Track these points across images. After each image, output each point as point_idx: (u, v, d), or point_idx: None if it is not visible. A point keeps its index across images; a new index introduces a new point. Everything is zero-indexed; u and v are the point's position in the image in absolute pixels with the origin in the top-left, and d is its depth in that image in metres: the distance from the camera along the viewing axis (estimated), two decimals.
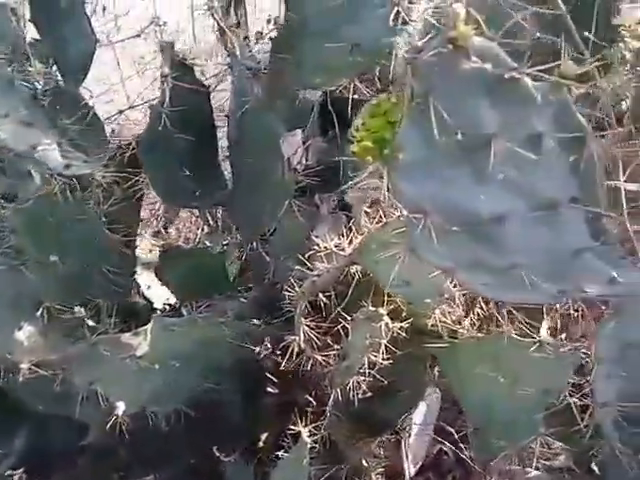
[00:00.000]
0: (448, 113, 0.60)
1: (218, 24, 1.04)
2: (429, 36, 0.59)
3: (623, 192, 1.03)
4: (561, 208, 0.72)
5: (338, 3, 0.99)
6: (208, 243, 2.34)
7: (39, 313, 1.26)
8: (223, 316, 1.47)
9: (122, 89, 2.79)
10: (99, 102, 1.89)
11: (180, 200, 1.40)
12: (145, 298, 1.85)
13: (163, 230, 2.53)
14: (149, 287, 1.79)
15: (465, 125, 0.62)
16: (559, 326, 1.26)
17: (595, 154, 0.66)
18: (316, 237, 1.29)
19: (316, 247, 1.25)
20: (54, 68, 1.94)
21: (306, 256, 1.24)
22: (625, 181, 1.15)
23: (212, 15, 1.01)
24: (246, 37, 1.14)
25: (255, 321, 1.52)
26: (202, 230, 2.45)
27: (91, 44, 1.75)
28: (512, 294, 0.82)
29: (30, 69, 2.13)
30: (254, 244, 1.44)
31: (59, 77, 1.88)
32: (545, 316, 1.25)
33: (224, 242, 1.66)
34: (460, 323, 1.13)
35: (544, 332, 1.27)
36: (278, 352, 1.34)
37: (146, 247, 2.06)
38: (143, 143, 1.22)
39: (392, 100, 0.62)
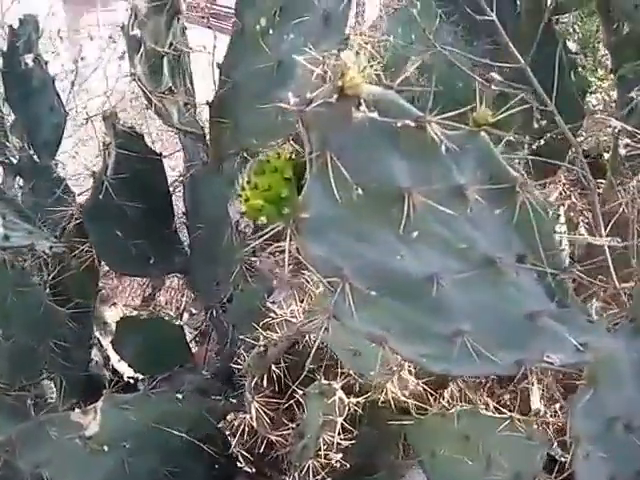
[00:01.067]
0: (351, 167, 0.53)
1: (143, 90, 1.00)
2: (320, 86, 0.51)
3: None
4: (501, 266, 0.63)
5: (268, 66, 0.96)
6: (194, 310, 2.26)
7: None
8: (180, 391, 1.36)
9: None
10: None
11: (132, 268, 1.32)
12: (114, 371, 1.76)
13: (150, 298, 2.45)
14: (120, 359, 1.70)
15: (373, 179, 0.55)
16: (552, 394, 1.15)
17: (530, 204, 0.57)
18: (272, 303, 1.20)
19: (272, 314, 1.16)
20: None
21: (262, 324, 1.16)
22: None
23: (135, 81, 0.97)
24: (187, 103, 1.10)
25: (217, 396, 1.42)
26: (188, 297, 2.37)
27: (62, 118, 1.78)
28: (460, 367, 0.71)
29: (7, 144, 2.13)
30: (213, 312, 1.36)
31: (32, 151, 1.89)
32: (535, 384, 1.14)
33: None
34: (422, 397, 1.03)
35: (537, 402, 1.16)
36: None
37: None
38: (86, 212, 1.16)
39: (284, 156, 0.55)
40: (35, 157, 1.85)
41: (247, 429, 1.11)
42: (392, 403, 0.98)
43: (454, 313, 0.68)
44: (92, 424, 1.28)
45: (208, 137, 1.09)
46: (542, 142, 1.54)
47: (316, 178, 0.54)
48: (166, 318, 1.61)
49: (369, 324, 0.65)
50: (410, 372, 0.95)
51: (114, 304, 2.06)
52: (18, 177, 2.12)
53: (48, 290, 1.23)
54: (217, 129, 1.06)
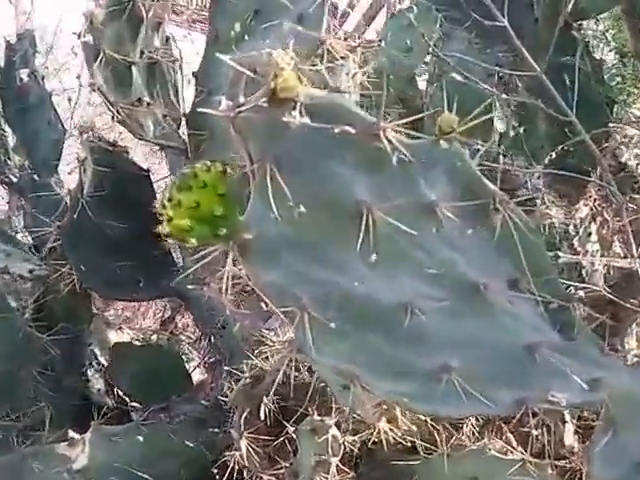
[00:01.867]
0: (296, 179, 0.45)
1: (105, 101, 0.93)
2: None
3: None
4: (487, 293, 0.54)
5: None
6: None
7: None
8: (175, 422, 1.28)
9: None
10: None
11: (118, 292, 1.25)
12: (119, 398, 1.69)
13: (168, 321, 2.39)
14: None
15: (323, 193, 0.46)
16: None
17: (513, 222, 0.48)
18: (267, 330, 1.12)
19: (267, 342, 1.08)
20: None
21: (257, 352, 1.07)
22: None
23: (95, 91, 0.90)
24: (166, 115, 1.03)
25: (215, 428, 1.33)
26: None
27: (60, 134, 1.74)
28: (448, 407, 0.62)
29: (9, 162, 2.11)
30: (211, 338, 1.29)
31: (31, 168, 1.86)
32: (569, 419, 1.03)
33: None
34: (428, 433, 0.93)
35: (570, 438, 1.05)
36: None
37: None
38: (63, 232, 1.09)
39: (216, 169, 0.47)
40: (35, 175, 1.81)
41: (238, 467, 1.02)
42: (390, 442, 0.88)
43: (438, 346, 0.58)
44: (80, 457, 1.20)
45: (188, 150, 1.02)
46: (569, 155, 1.44)
47: (258, 193, 0.46)
48: (164, 345, 1.54)
49: (335, 357, 0.56)
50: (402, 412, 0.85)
51: (120, 328, 1.99)
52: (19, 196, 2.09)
53: (30, 315, 1.16)
54: (195, 141, 0.99)
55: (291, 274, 0.51)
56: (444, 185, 0.48)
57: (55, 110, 1.68)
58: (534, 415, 0.79)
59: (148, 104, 0.96)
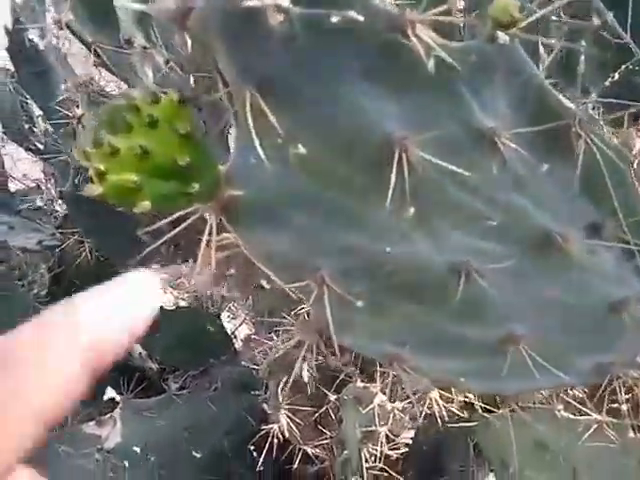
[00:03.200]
0: (291, 106, 0.32)
1: (81, 42, 0.79)
2: None
3: None
4: (564, 243, 0.41)
5: None
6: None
7: None
8: (211, 389, 1.21)
9: None
10: None
11: (137, 256, 1.15)
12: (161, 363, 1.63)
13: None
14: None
15: (332, 125, 0.34)
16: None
17: (598, 149, 0.35)
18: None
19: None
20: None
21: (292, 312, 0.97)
22: None
23: (63, 28, 0.76)
24: (168, 60, 0.90)
25: (257, 391, 1.25)
26: None
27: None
28: (515, 383, 0.50)
29: (34, 129, 2.03)
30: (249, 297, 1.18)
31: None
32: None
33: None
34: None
35: None
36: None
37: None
38: (67, 199, 0.98)
39: (170, 99, 0.34)
40: (57, 140, 1.72)
41: (278, 441, 0.93)
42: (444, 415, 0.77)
43: (500, 313, 0.46)
44: (111, 435, 1.14)
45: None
46: (618, 79, 1.26)
47: (242, 131, 0.34)
48: (197, 307, 1.46)
49: (369, 338, 0.45)
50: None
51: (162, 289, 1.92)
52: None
53: (44, 289, 1.07)
54: (204, 85, 0.86)
55: (301, 238, 0.39)
56: (503, 104, 0.35)
57: (73, 70, 1.56)
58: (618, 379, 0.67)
59: (144, 47, 0.83)
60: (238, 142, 0.34)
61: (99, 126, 0.32)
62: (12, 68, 1.82)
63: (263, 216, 0.37)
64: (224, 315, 1.69)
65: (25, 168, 2.55)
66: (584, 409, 0.77)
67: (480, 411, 0.88)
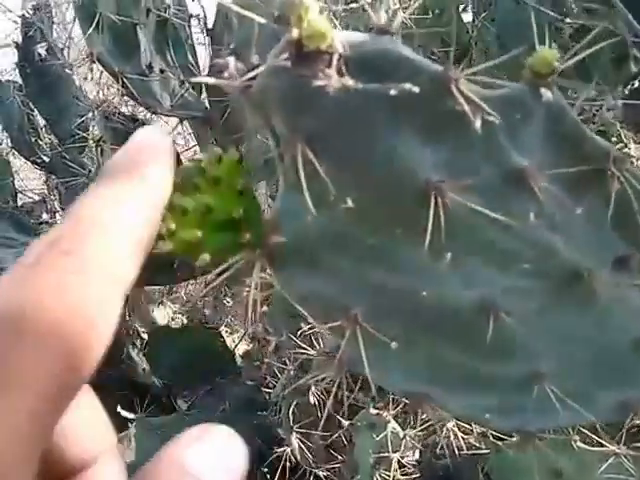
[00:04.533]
0: (336, 160, 0.33)
1: (110, 72, 0.79)
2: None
3: None
4: (593, 280, 0.42)
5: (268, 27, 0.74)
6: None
7: None
8: (220, 408, 1.20)
9: None
10: None
11: (153, 278, 1.15)
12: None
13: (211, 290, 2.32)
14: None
15: (375, 177, 0.34)
16: None
17: (630, 186, 0.35)
18: None
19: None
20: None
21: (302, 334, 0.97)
22: None
23: (95, 61, 0.76)
24: (183, 82, 0.90)
25: (263, 411, 1.24)
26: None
27: (86, 108, 1.65)
28: (540, 420, 0.50)
29: (40, 142, 2.04)
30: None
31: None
32: None
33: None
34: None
35: None
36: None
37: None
38: None
39: (231, 159, 0.35)
40: (64, 153, 1.73)
41: (290, 465, 0.93)
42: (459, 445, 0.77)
43: (527, 350, 0.46)
44: (127, 453, 1.14)
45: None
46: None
47: (289, 184, 0.34)
48: (200, 327, 1.46)
49: (399, 376, 0.45)
50: None
51: (161, 302, 1.93)
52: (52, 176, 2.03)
53: None
54: (217, 108, 0.86)
55: (337, 280, 0.39)
56: (538, 148, 0.35)
57: (79, 85, 1.58)
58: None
59: (162, 71, 0.83)
60: (284, 194, 0.35)
61: (172, 189, 0.33)
62: (20, 82, 1.84)
63: (303, 260, 0.38)
64: (222, 330, 1.69)
65: (31, 181, 2.55)
66: (601, 440, 0.77)
67: (492, 438, 0.88)
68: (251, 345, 1.75)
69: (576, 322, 0.47)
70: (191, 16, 0.88)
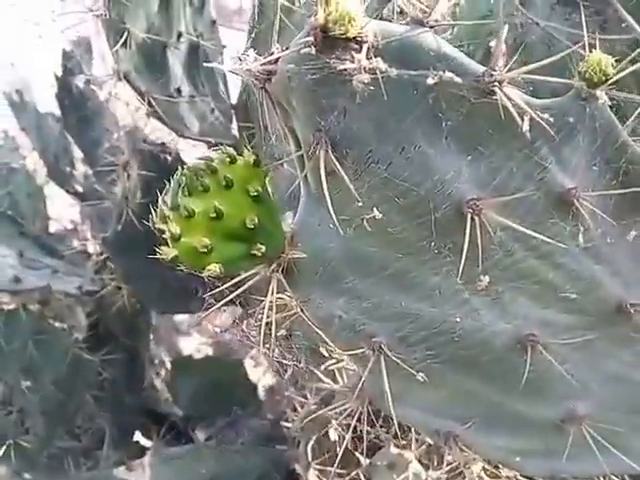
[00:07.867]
0: (367, 169, 0.31)
1: (136, 91, 0.78)
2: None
3: None
4: (635, 315, 0.39)
5: None
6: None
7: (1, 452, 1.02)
8: (238, 440, 1.17)
9: None
10: None
11: (173, 304, 1.13)
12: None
13: (238, 321, 2.31)
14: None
15: (407, 188, 0.32)
16: None
17: None
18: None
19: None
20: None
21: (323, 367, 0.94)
22: None
23: (121, 79, 0.75)
24: (213, 109, 0.89)
25: (282, 445, 1.21)
26: None
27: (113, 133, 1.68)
28: (575, 465, 0.47)
29: (74, 172, 2.08)
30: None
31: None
32: None
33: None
34: None
35: None
36: None
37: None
38: (109, 245, 0.98)
39: (245, 160, 0.33)
40: (96, 184, 1.76)
41: None
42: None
43: (563, 389, 0.44)
44: None
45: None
46: None
47: (311, 192, 0.32)
48: (224, 357, 1.43)
49: (423, 411, 0.42)
50: None
51: (188, 333, 1.92)
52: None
53: (84, 334, 1.07)
54: (245, 135, 0.85)
55: (360, 303, 0.37)
56: (583, 165, 0.33)
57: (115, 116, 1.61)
58: None
59: (192, 96, 0.83)
60: (305, 204, 0.33)
61: (177, 189, 0.31)
62: (59, 113, 1.87)
63: (323, 279, 0.35)
64: (247, 362, 1.67)
65: (63, 210, 2.58)
66: None
67: None
68: (275, 379, 1.73)
69: (617, 361, 0.44)
70: (224, 47, 0.88)
